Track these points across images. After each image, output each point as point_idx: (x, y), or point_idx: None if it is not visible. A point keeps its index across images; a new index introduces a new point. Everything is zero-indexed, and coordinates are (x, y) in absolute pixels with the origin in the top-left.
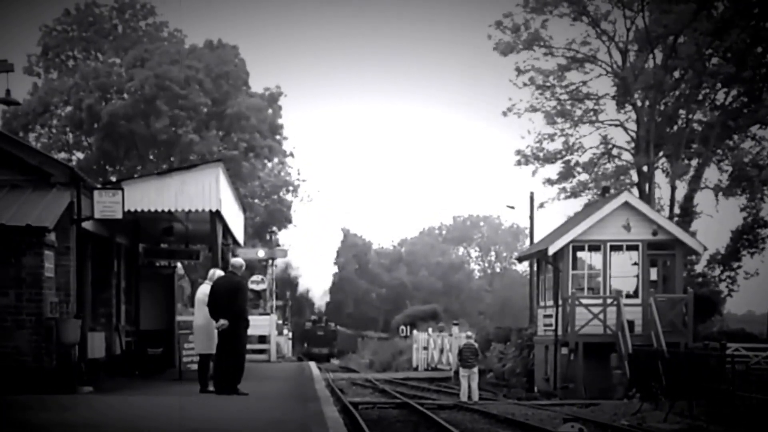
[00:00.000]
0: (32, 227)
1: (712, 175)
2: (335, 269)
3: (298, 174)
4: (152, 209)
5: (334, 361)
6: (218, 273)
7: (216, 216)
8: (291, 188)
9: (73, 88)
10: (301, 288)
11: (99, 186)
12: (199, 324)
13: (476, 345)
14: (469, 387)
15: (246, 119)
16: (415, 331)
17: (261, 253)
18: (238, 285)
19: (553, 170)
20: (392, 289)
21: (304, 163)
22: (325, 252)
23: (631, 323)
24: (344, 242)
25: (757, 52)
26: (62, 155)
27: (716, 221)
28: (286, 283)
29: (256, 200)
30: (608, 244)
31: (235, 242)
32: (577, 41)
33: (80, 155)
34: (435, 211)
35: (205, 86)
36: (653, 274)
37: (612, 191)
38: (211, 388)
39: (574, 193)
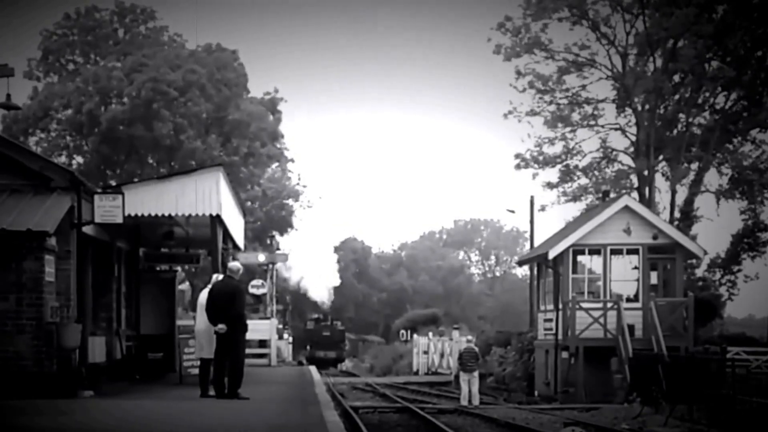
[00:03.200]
0: (33, 232)
1: (712, 178)
2: (337, 273)
3: (299, 179)
4: (153, 213)
5: (342, 366)
6: (221, 278)
7: (216, 220)
8: (292, 193)
9: (73, 92)
10: (302, 290)
11: (99, 190)
12: (200, 329)
13: (477, 349)
14: (470, 391)
15: (246, 126)
16: (415, 336)
17: (261, 257)
18: (235, 289)
19: (553, 174)
20: (392, 293)
21: (304, 167)
22: (326, 255)
23: (631, 327)
24: (344, 246)
25: (758, 56)
26: (62, 159)
27: (716, 225)
28: (287, 287)
29: (258, 203)
30: (608, 248)
31: (236, 246)
32: (576, 45)
33: (80, 159)
34: (435, 215)
35: (205, 91)
36: (653, 278)
37: (612, 195)
38: (211, 392)
39: (575, 197)
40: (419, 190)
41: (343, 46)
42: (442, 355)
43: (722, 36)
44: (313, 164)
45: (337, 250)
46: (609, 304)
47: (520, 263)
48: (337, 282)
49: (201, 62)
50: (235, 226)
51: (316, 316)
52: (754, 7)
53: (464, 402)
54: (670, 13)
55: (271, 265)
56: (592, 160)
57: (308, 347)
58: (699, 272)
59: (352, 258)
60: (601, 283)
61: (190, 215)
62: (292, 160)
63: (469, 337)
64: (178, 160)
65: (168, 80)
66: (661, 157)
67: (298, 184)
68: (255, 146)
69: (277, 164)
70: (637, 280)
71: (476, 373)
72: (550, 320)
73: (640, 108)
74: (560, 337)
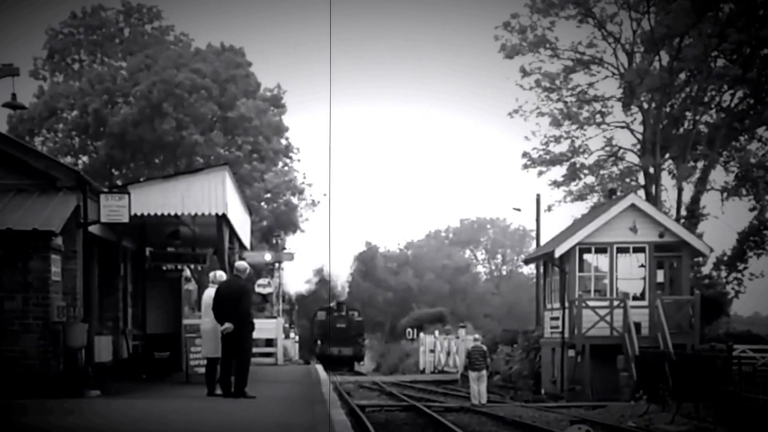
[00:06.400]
0: (39, 231)
1: (718, 176)
2: (350, 268)
3: (304, 177)
4: (159, 213)
5: (360, 365)
6: (220, 275)
7: (222, 219)
8: (297, 192)
9: (79, 92)
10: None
11: (105, 190)
12: (206, 328)
13: (484, 348)
14: (478, 389)
15: (250, 122)
16: (421, 334)
17: (267, 256)
18: (242, 288)
19: (559, 172)
20: (398, 292)
21: (310, 165)
22: (333, 252)
23: (637, 325)
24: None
25: (763, 54)
26: (68, 159)
27: (722, 223)
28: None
29: (263, 203)
30: (615, 246)
31: (242, 246)
32: (583, 43)
33: (86, 159)
34: (441, 214)
35: (210, 90)
36: (660, 276)
37: (618, 193)
38: (218, 391)
39: (581, 196)
40: (425, 188)
41: (349, 43)
42: (448, 354)
43: (727, 34)
44: (319, 162)
45: (358, 256)
46: (615, 302)
47: (527, 262)
48: (351, 281)
49: (207, 61)
50: (242, 225)
51: (328, 305)
52: (758, 6)
53: (474, 401)
54: (672, 11)
55: (277, 264)
56: (598, 158)
57: (319, 342)
58: (705, 270)
59: (358, 257)
60: (607, 281)
61: (196, 214)
62: (298, 157)
63: (477, 336)
64: (181, 156)
65: (175, 81)
66: (667, 155)
67: (303, 182)
68: (259, 141)
69: (281, 164)
70: (644, 278)
71: (484, 372)
72: (557, 318)
73: (646, 106)
74: (567, 335)
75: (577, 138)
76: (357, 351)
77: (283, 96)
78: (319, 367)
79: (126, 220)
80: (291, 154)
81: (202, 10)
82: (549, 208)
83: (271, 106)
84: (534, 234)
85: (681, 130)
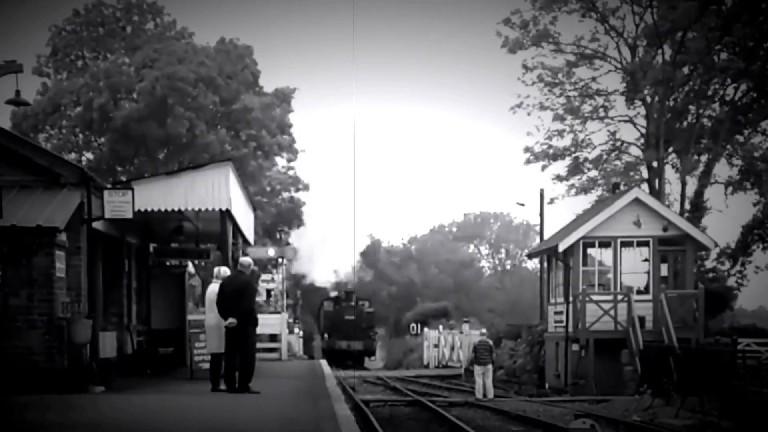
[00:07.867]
0: (43, 228)
1: (721, 170)
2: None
3: (308, 174)
4: (162, 209)
5: (371, 362)
6: (224, 270)
7: (226, 215)
8: (301, 187)
9: (83, 88)
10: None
11: (109, 186)
12: (210, 324)
13: (491, 342)
14: (484, 384)
15: (253, 116)
16: (425, 329)
17: (271, 252)
18: (245, 284)
19: (562, 167)
20: (402, 286)
21: (314, 160)
22: (335, 250)
23: (642, 319)
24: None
25: (766, 47)
26: (72, 156)
27: (726, 216)
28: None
29: (265, 199)
30: (619, 241)
31: (245, 241)
32: (586, 37)
33: (90, 156)
34: (445, 209)
35: (215, 82)
36: (664, 269)
37: (622, 187)
38: (222, 387)
39: (584, 190)
40: (429, 183)
41: (351, 39)
42: (452, 348)
43: (730, 28)
44: (322, 157)
45: (363, 254)
46: (619, 297)
47: (530, 256)
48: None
49: (212, 57)
50: (245, 220)
51: (335, 294)
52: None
53: (479, 395)
54: (676, 6)
55: (280, 260)
56: (601, 152)
57: (325, 336)
58: (709, 264)
59: (361, 252)
60: (611, 275)
61: (199, 210)
62: (303, 151)
63: (483, 331)
64: (191, 155)
65: (181, 76)
66: (670, 149)
67: (301, 178)
68: (263, 135)
69: (285, 158)
70: (648, 272)
71: (490, 366)
72: (561, 313)
73: (649, 100)
74: (570, 329)
75: (580, 132)
76: (368, 345)
77: (293, 95)
78: (324, 363)
79: (130, 215)
80: (295, 150)
81: (213, 8)
82: (552, 203)
83: (277, 102)
84: (537, 228)
85: (684, 123)
